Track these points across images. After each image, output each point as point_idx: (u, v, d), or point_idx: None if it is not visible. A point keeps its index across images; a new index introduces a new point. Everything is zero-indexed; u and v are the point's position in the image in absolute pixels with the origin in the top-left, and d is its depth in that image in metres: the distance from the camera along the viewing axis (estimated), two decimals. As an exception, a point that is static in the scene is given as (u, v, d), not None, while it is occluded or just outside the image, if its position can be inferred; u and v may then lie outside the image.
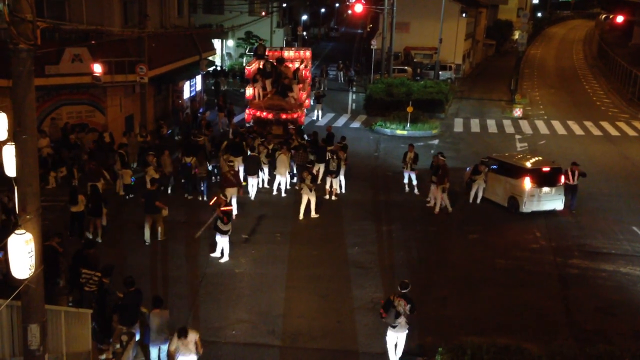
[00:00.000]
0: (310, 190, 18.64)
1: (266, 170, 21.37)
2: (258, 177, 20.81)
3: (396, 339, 11.41)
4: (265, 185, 21.39)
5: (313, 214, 18.88)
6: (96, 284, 11.71)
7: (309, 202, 18.85)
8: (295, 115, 25.24)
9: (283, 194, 20.70)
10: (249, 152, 21.17)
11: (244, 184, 20.45)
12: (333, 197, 20.52)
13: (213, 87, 38.74)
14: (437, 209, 19.53)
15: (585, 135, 32.10)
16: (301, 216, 18.76)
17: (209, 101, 36.50)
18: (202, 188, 20.00)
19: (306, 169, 19.08)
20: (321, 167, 21.18)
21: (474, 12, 56.51)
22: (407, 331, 11.37)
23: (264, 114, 25.05)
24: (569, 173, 19.94)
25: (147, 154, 19.58)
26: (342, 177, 21.04)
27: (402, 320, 11.16)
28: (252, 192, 20.51)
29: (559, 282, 15.26)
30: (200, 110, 29.61)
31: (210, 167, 21.06)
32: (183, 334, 10.18)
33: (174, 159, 21.63)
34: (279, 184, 20.70)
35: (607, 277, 15.56)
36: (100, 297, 11.34)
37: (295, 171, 21.70)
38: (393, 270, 15.45)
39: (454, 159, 25.46)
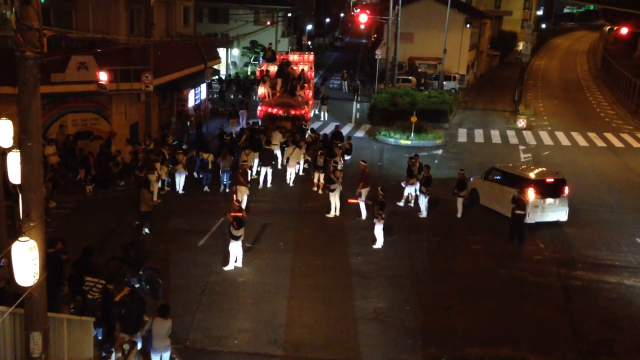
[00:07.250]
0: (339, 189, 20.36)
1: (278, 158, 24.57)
2: (272, 167, 23.16)
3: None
4: (280, 166, 24.30)
5: (337, 213, 20.00)
6: (99, 292, 11.70)
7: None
8: (302, 112, 28.00)
9: (292, 183, 22.94)
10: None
11: (254, 177, 22.91)
12: (320, 191, 22.20)
13: (218, 96, 38.82)
14: (363, 214, 19.94)
15: (589, 147, 32.07)
16: (338, 212, 19.96)
17: (214, 109, 36.59)
18: (224, 181, 21.85)
19: (337, 169, 20.53)
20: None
21: (479, 23, 56.64)
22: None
23: (275, 110, 27.72)
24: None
25: (177, 153, 21.55)
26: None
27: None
28: (262, 179, 22.69)
29: (563, 294, 15.19)
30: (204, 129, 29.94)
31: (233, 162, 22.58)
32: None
33: (189, 158, 22.67)
34: (291, 174, 23.13)
35: (610, 289, 15.49)
36: (105, 304, 11.31)
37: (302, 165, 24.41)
38: (396, 280, 15.41)
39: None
